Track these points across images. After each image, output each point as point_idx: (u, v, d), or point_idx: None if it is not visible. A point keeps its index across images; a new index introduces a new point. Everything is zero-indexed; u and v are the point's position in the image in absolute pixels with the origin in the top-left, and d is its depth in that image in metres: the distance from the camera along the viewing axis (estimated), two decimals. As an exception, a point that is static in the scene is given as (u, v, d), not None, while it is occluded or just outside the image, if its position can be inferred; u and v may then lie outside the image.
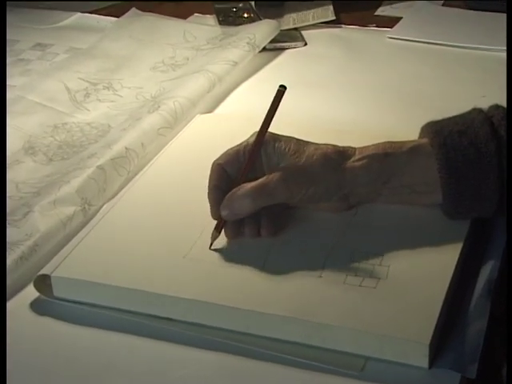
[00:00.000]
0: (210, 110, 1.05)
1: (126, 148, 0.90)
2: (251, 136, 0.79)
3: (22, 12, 1.36)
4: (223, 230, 0.76)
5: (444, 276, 0.69)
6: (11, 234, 0.78)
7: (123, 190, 0.86)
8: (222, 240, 0.76)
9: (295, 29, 1.29)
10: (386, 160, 0.75)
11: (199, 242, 0.76)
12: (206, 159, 0.88)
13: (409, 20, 1.30)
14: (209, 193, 0.78)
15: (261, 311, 0.68)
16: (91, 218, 0.82)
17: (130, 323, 0.70)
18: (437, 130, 0.75)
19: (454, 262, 0.71)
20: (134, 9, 1.34)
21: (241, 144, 0.79)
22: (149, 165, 0.90)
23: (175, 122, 0.98)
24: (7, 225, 0.79)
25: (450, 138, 0.74)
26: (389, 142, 0.77)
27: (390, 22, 1.30)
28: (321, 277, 0.71)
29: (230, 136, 0.90)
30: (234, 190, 0.76)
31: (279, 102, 0.78)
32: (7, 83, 1.11)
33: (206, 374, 0.65)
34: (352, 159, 0.76)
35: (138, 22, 1.29)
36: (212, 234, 0.76)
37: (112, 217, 0.81)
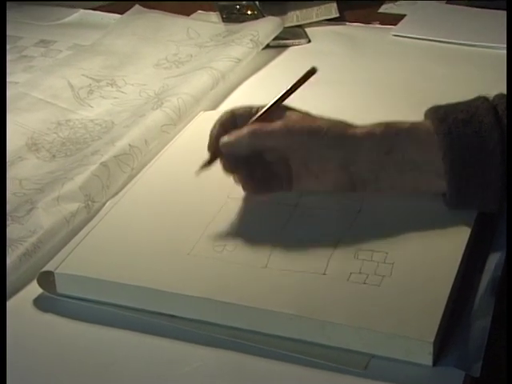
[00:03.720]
0: (214, 107, 1.05)
1: (130, 145, 0.90)
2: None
3: (26, 9, 1.36)
4: (222, 165, 0.79)
5: (448, 274, 0.69)
6: (14, 230, 0.78)
7: (127, 187, 0.86)
8: (225, 236, 0.76)
9: (299, 26, 1.29)
10: (389, 130, 0.76)
11: (203, 238, 0.76)
12: (210, 156, 0.89)
13: (412, 17, 1.30)
14: (212, 128, 0.80)
15: (264, 308, 0.67)
16: (95, 215, 0.82)
17: (133, 320, 0.70)
18: (441, 117, 0.75)
19: (459, 260, 0.71)
20: (137, 6, 1.34)
21: (255, 104, 0.80)
22: (152, 161, 0.90)
23: (179, 119, 0.98)
24: (11, 221, 0.79)
25: (454, 126, 0.74)
26: (392, 121, 0.77)
27: (394, 19, 1.30)
28: (325, 274, 0.71)
29: (233, 133, 0.90)
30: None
31: (306, 80, 0.81)
32: (10, 80, 1.11)
33: (210, 372, 0.65)
34: (355, 128, 0.76)
35: (142, 19, 1.29)
36: (202, 164, 0.79)
37: (115, 214, 0.81)
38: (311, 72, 0.81)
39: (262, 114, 0.79)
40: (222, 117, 0.80)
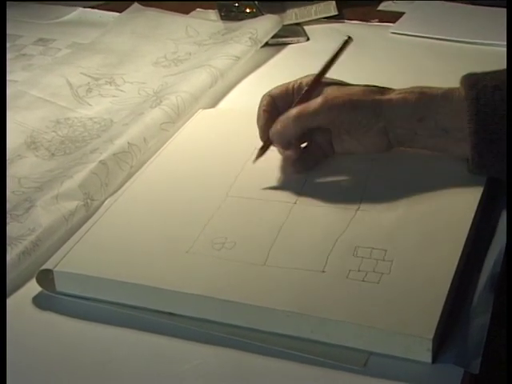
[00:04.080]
0: (213, 105, 1.05)
1: (129, 143, 0.90)
2: (303, 77, 0.85)
3: (25, 7, 1.36)
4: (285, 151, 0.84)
5: (447, 271, 0.69)
6: (14, 228, 0.78)
7: (125, 185, 0.86)
8: (224, 234, 0.76)
9: (297, 24, 1.29)
10: (422, 97, 0.80)
11: (202, 236, 0.76)
12: (209, 154, 0.89)
13: (411, 15, 1.30)
14: (258, 117, 0.84)
15: (264, 306, 0.67)
16: (94, 213, 0.82)
17: (132, 318, 0.70)
18: (472, 84, 0.78)
19: (458, 257, 0.71)
20: (136, 4, 1.34)
21: (290, 82, 0.85)
22: (151, 160, 0.90)
23: (178, 117, 0.98)
24: (10, 220, 0.79)
25: (483, 92, 0.77)
26: (426, 86, 0.81)
27: (393, 17, 1.30)
28: (324, 272, 0.71)
29: (232, 131, 0.90)
30: (281, 115, 0.82)
31: (342, 51, 0.86)
32: (9, 78, 1.11)
33: (209, 369, 0.65)
34: (390, 93, 0.81)
35: (141, 17, 1.29)
36: (257, 153, 0.83)
37: (114, 211, 0.81)
38: (347, 42, 0.86)
39: (305, 94, 0.83)
40: (262, 103, 0.84)
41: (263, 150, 0.84)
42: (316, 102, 0.81)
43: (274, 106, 0.84)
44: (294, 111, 0.81)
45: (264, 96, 0.85)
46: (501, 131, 0.76)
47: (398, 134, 0.81)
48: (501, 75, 0.79)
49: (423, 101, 0.79)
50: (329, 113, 0.80)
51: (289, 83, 0.85)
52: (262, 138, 0.84)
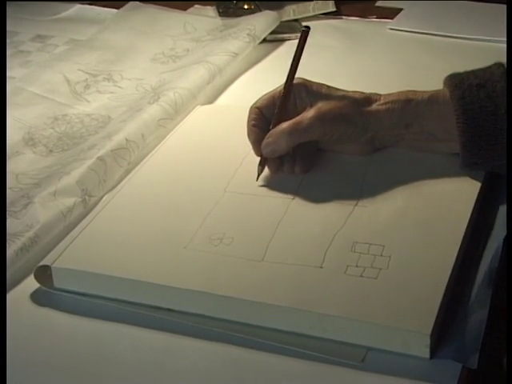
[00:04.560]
0: (210, 101, 1.05)
1: (127, 139, 0.90)
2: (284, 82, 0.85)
3: (22, 4, 1.36)
4: (267, 165, 0.83)
5: (445, 266, 0.69)
6: (11, 225, 0.78)
7: (123, 181, 0.86)
8: (222, 230, 0.76)
9: (295, 20, 1.28)
10: (408, 105, 0.81)
11: (200, 232, 0.76)
12: (206, 150, 0.89)
13: (409, 11, 1.30)
14: (248, 133, 0.85)
15: (261, 302, 0.67)
16: (91, 209, 0.82)
17: (130, 314, 0.70)
18: (457, 83, 0.79)
19: (455, 253, 0.71)
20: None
21: (275, 89, 0.85)
22: (149, 156, 0.90)
23: (175, 113, 0.98)
24: (7, 216, 0.79)
25: (468, 91, 0.78)
26: (412, 90, 0.82)
27: (391, 13, 1.30)
28: (322, 267, 0.71)
29: (230, 127, 0.90)
30: (272, 129, 0.82)
31: (304, 44, 0.86)
32: (7, 75, 1.10)
33: (207, 365, 0.65)
34: (377, 103, 0.82)
35: (138, 14, 1.29)
36: (257, 169, 0.83)
37: (112, 208, 0.81)
38: (305, 32, 0.85)
39: (283, 100, 0.83)
40: (250, 116, 0.85)
41: (263, 166, 0.83)
42: (308, 117, 0.81)
43: (263, 118, 0.85)
44: (286, 128, 0.82)
45: (251, 109, 0.85)
46: (489, 128, 0.77)
47: (384, 140, 0.84)
48: (484, 73, 0.80)
49: (409, 108, 0.81)
50: (321, 127, 0.82)
51: (274, 92, 0.85)
52: (256, 153, 0.84)
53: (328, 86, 0.85)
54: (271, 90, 0.86)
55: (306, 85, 0.84)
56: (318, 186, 0.82)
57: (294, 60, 0.85)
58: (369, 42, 1.22)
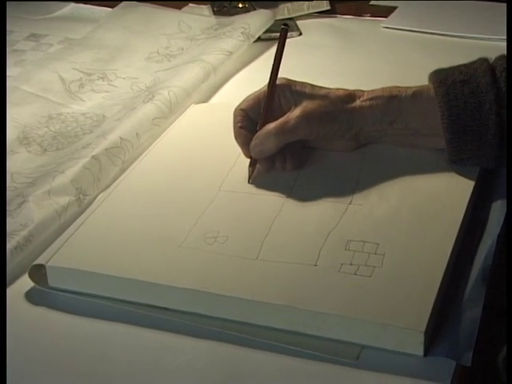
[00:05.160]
0: (205, 100, 1.05)
1: (121, 138, 0.90)
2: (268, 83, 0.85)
3: (16, 3, 1.35)
4: (259, 165, 0.84)
5: (439, 264, 0.69)
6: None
7: (118, 180, 0.86)
8: (216, 228, 0.76)
9: (290, 19, 1.28)
10: (392, 101, 0.81)
11: (194, 231, 0.76)
12: (201, 149, 0.89)
13: (404, 10, 1.30)
14: (235, 135, 0.85)
15: (256, 300, 0.68)
16: (86, 208, 0.82)
17: (125, 313, 0.70)
18: (441, 80, 0.80)
19: (449, 250, 0.71)
20: (128, -1, 1.34)
21: (260, 90, 0.85)
22: (143, 154, 0.90)
23: (170, 112, 0.98)
24: (2, 215, 0.79)
25: (452, 87, 0.78)
26: (396, 86, 0.83)
27: (385, 11, 1.30)
28: (316, 265, 0.71)
29: (224, 125, 0.90)
30: (259, 131, 0.83)
31: (284, 42, 0.87)
32: (1, 74, 1.11)
33: (202, 363, 0.65)
34: (360, 99, 0.83)
35: (133, 13, 1.29)
36: (248, 170, 0.83)
37: (107, 206, 0.81)
38: (285, 30, 0.87)
39: (268, 101, 0.84)
40: (236, 118, 0.85)
41: (253, 167, 0.83)
42: (294, 117, 0.82)
43: (249, 119, 0.85)
44: (273, 128, 0.82)
45: (236, 110, 0.86)
46: (474, 124, 0.77)
47: (368, 136, 0.85)
48: (468, 69, 0.80)
49: (392, 104, 0.81)
50: (307, 126, 0.82)
51: (258, 93, 0.85)
52: (246, 155, 0.84)
53: (311, 85, 0.85)
54: (255, 91, 0.86)
55: (290, 84, 0.85)
56: (312, 184, 0.82)
57: (275, 60, 0.86)
58: (363, 41, 1.22)
